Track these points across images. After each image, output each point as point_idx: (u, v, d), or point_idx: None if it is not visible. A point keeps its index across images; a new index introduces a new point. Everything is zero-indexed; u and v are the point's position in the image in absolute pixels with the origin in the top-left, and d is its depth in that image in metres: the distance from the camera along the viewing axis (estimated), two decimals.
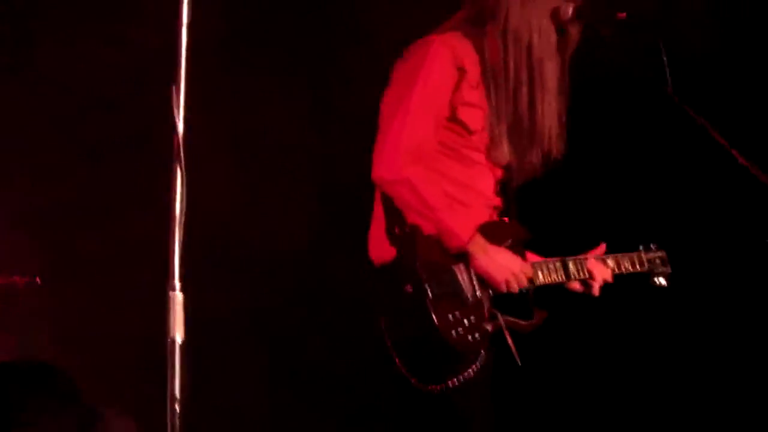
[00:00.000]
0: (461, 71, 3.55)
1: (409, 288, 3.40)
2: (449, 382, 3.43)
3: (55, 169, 4.88)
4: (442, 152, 3.59)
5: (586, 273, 3.77)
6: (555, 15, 3.59)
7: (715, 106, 3.75)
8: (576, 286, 3.80)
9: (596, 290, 3.79)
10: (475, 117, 3.59)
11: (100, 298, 4.82)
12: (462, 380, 3.44)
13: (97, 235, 4.92)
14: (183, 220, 2.46)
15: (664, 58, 3.43)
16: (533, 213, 3.79)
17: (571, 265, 3.74)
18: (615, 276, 3.85)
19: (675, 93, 3.46)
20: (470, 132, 3.60)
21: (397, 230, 3.48)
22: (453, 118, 3.57)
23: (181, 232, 2.45)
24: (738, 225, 4.80)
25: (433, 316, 3.37)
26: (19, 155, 4.81)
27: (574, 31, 3.64)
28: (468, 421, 3.54)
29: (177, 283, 2.46)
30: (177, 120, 2.46)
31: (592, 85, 3.79)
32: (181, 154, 2.46)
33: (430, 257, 3.44)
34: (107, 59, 4.93)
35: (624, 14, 3.48)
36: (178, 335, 2.45)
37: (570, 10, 3.57)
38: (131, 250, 4.84)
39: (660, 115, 3.80)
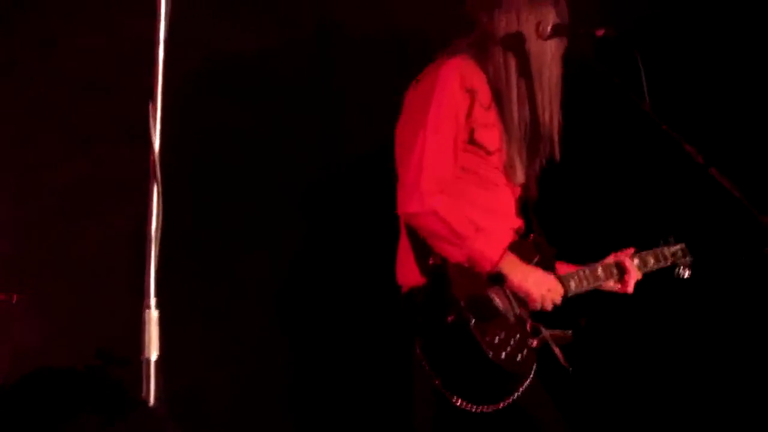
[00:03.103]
0: (471, 93, 3.58)
1: (450, 318, 3.38)
2: (505, 402, 3.46)
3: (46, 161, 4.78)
4: (463, 177, 3.60)
5: (616, 275, 3.82)
6: (535, 31, 3.61)
7: (692, 120, 3.77)
8: (610, 285, 3.86)
9: (630, 287, 3.86)
10: (491, 137, 3.62)
11: (88, 300, 4.74)
12: (518, 397, 3.48)
13: (87, 229, 4.83)
14: (159, 236, 2.44)
15: (642, 74, 3.43)
16: (552, 225, 3.81)
17: (600, 271, 3.80)
18: (644, 274, 3.92)
19: (652, 108, 3.47)
20: (489, 153, 3.63)
21: (430, 261, 3.48)
22: (471, 141, 3.60)
23: (158, 249, 2.42)
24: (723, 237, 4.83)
25: (480, 343, 3.38)
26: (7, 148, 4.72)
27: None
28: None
29: (153, 300, 2.43)
30: (153, 136, 2.42)
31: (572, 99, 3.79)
32: (158, 171, 2.43)
33: (464, 285, 3.44)
34: (96, 48, 4.84)
35: (602, 31, 3.49)
36: (153, 354, 2.42)
37: (549, 28, 3.60)
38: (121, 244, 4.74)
39: (637, 129, 3.80)
